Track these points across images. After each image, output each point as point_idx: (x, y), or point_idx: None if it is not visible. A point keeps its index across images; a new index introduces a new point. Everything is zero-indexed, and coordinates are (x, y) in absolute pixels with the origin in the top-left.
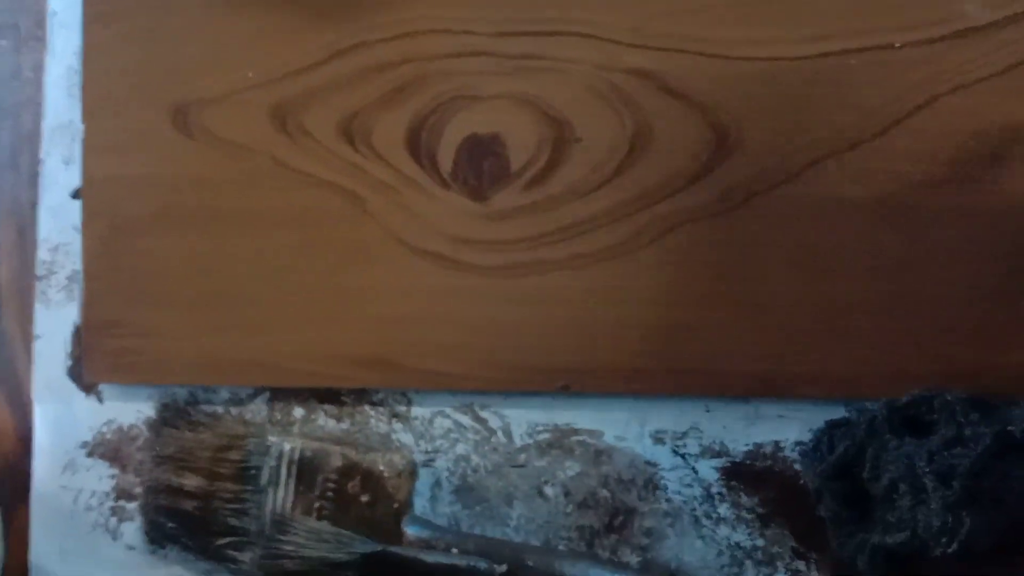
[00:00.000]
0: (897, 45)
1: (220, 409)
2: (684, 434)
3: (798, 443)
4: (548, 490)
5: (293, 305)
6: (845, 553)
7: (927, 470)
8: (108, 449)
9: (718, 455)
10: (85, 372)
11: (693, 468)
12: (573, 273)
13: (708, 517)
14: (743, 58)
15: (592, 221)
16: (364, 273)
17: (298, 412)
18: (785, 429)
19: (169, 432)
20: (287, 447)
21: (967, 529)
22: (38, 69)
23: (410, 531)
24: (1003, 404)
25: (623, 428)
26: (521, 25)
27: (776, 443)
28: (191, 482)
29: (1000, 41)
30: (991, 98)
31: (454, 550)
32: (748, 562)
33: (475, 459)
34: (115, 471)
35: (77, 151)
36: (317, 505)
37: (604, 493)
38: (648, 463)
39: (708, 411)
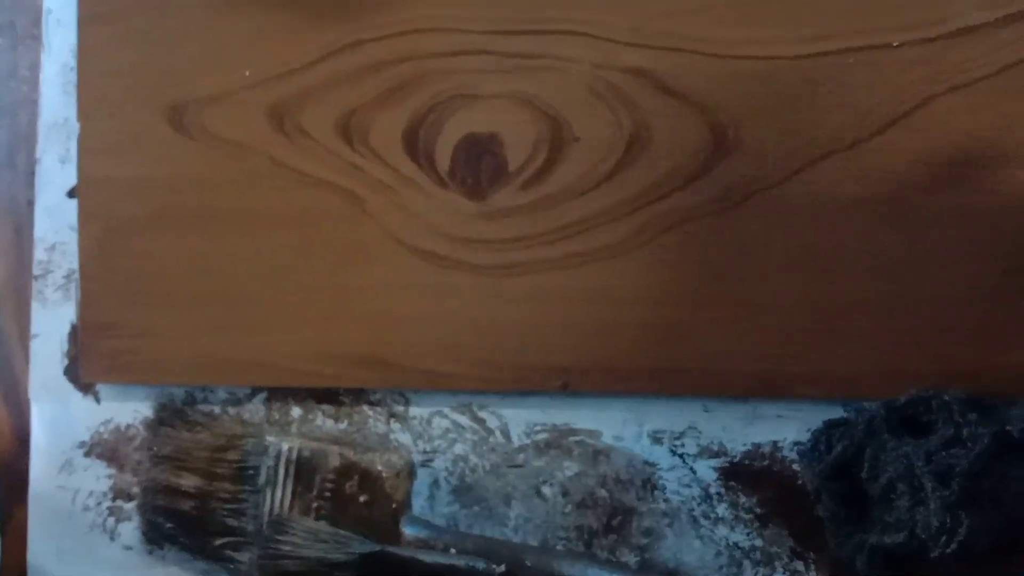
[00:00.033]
0: (895, 45)
1: (218, 409)
2: (682, 434)
3: (796, 443)
4: (546, 490)
5: (291, 305)
6: (843, 553)
7: (925, 470)
8: (105, 449)
9: (716, 455)
10: (82, 372)
11: (691, 468)
12: (571, 272)
13: (706, 517)
14: (742, 58)
15: (590, 220)
16: (362, 273)
17: (296, 412)
18: (784, 429)
19: (166, 432)
20: (285, 447)
21: (965, 529)
22: (34, 67)
23: (408, 531)
24: (1002, 404)
25: (621, 428)
26: (519, 24)
27: (774, 443)
28: (189, 482)
29: (998, 41)
30: (989, 98)
31: (452, 550)
32: (746, 562)
33: (473, 459)
34: (112, 471)
35: (73, 150)
36: (315, 505)
37: (602, 493)
38: (646, 463)
39: (706, 411)
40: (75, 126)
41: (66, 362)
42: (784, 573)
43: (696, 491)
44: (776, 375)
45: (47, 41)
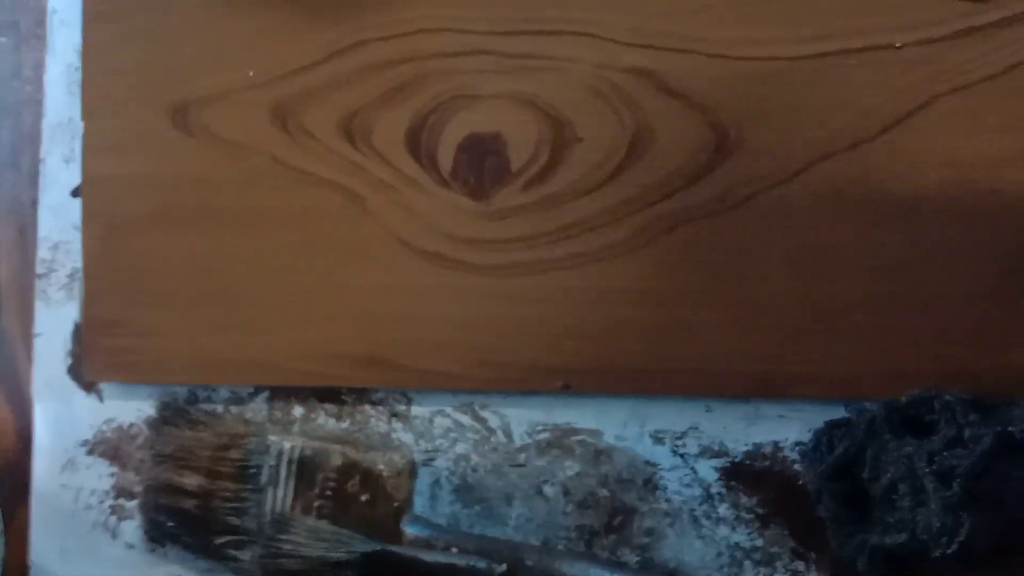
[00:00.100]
0: (897, 45)
1: (220, 408)
2: (684, 434)
3: (798, 443)
4: (548, 490)
5: (293, 304)
6: (844, 554)
7: (927, 471)
8: (108, 448)
9: (718, 455)
10: (85, 371)
11: (693, 468)
12: (573, 272)
13: (707, 517)
14: (743, 58)
15: (592, 220)
16: (364, 272)
17: (298, 411)
18: (785, 429)
19: (169, 431)
20: (287, 446)
21: (967, 530)
22: (38, 67)
23: (410, 530)
24: (1003, 404)
25: (623, 428)
26: (521, 24)
27: (776, 443)
28: (191, 481)
29: (1000, 41)
30: (991, 98)
31: (454, 549)
32: (747, 562)
33: (475, 458)
34: (115, 470)
35: (77, 149)
36: (317, 504)
37: (603, 493)
38: (648, 463)
39: (708, 411)
40: (79, 126)
41: (69, 361)
42: (785, 573)
43: (697, 491)
44: (776, 375)
45: (51, 41)
